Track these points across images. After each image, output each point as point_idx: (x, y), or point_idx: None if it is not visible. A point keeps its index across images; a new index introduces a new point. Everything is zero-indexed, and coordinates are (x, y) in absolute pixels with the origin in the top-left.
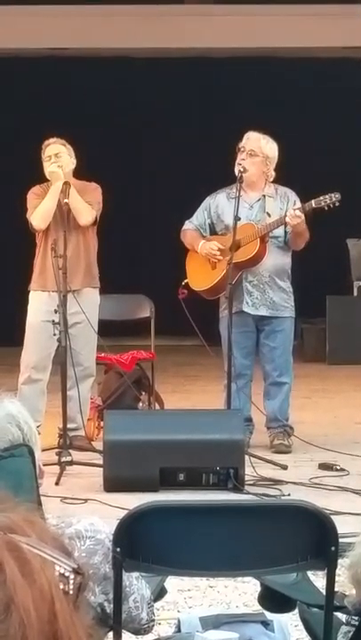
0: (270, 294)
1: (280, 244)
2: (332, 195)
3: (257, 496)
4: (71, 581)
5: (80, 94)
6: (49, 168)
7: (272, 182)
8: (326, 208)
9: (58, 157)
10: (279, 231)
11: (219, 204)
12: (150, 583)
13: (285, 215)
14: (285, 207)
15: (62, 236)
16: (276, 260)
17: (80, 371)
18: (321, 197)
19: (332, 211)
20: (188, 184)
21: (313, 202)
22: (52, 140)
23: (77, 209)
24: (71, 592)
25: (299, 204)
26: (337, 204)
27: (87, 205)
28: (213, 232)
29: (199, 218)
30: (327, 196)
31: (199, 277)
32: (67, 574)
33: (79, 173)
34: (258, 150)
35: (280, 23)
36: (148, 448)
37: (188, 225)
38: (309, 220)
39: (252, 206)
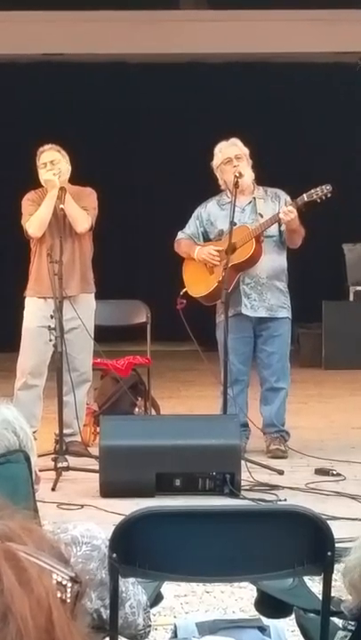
0: (268, 296)
1: (276, 244)
2: (323, 187)
3: (253, 501)
4: (68, 590)
5: (76, 99)
6: (44, 176)
7: (259, 184)
8: (319, 200)
9: (53, 164)
10: (274, 230)
11: (210, 212)
12: (147, 589)
13: (278, 212)
14: (278, 207)
15: (58, 241)
16: (273, 261)
17: (76, 376)
18: (312, 190)
19: (325, 203)
20: (184, 189)
21: (305, 195)
22: (46, 147)
23: (73, 216)
24: (68, 600)
25: (290, 202)
26: (328, 195)
27: (83, 212)
28: (207, 240)
29: (191, 227)
30: (318, 189)
31: (198, 284)
32: (64, 583)
33: (75, 178)
34: (240, 152)
35: (275, 28)
36: (144, 453)
37: (181, 235)
38: (303, 216)
39: (244, 209)
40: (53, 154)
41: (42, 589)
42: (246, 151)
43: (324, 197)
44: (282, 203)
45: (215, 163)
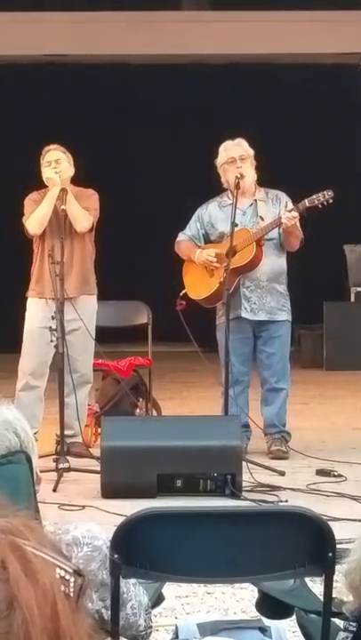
0: (268, 299)
1: (276, 247)
2: (325, 192)
3: (254, 502)
4: (72, 584)
5: (77, 100)
6: (47, 174)
7: (260, 186)
8: (320, 206)
9: (58, 163)
10: (274, 233)
11: (211, 213)
12: (148, 590)
13: (280, 217)
14: (278, 209)
15: (59, 242)
16: (273, 264)
17: (77, 377)
18: (314, 196)
19: (326, 209)
20: (185, 190)
21: (306, 201)
22: (52, 147)
23: (74, 215)
24: (72, 594)
25: (291, 205)
26: (330, 201)
27: (84, 212)
28: (208, 241)
29: (192, 229)
30: (320, 194)
31: (198, 286)
32: (67, 577)
33: (76, 179)
34: (245, 153)
35: (276, 29)
36: (145, 454)
37: (181, 236)
38: (304, 219)
39: (245, 212)
40: (58, 153)
41: (47, 580)
42: (251, 152)
43: (325, 203)
44: (283, 205)
45: (219, 161)
